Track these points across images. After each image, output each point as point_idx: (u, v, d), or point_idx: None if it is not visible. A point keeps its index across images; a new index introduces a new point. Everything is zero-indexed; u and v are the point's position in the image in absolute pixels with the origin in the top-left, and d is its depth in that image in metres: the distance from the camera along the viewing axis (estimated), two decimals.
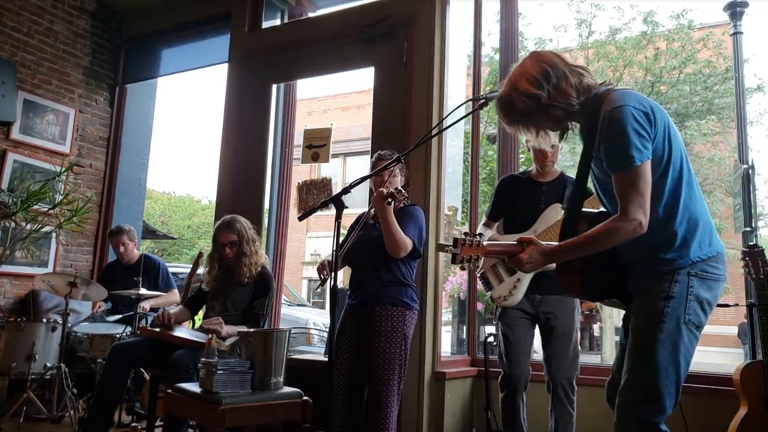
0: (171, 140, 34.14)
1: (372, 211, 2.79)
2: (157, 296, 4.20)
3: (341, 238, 2.61)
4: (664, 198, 1.74)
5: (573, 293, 2.02)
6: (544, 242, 1.80)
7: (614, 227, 1.68)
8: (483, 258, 2.90)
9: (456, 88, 3.88)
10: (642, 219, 1.66)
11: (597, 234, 1.71)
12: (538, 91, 1.76)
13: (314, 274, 18.14)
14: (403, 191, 2.57)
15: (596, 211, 1.93)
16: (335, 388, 2.67)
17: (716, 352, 12.18)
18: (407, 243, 2.64)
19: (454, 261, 1.78)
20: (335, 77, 10.63)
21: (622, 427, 1.73)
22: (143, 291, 3.85)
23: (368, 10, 3.96)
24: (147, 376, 3.63)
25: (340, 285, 2.46)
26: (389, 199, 2.51)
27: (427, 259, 3.31)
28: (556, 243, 1.80)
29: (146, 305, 4.11)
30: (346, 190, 2.24)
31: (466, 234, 1.77)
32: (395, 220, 2.61)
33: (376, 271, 2.72)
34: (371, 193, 3.02)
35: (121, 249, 4.39)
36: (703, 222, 1.77)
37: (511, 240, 2.77)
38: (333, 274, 2.21)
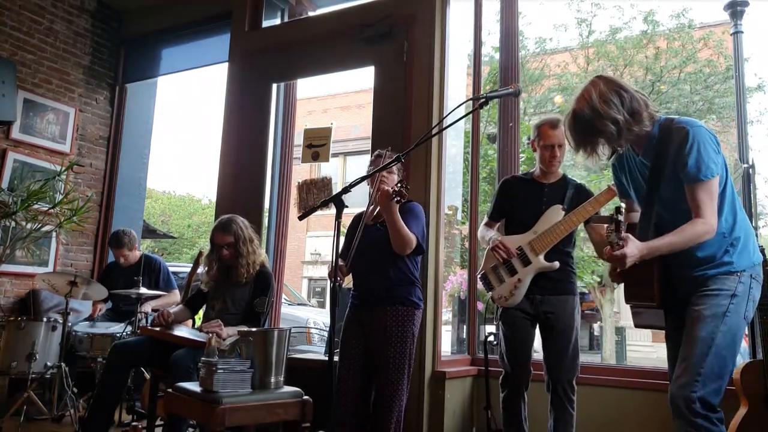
0: (171, 140, 34.15)
1: (373, 210, 2.79)
2: (157, 296, 4.20)
3: (341, 240, 2.61)
4: (725, 210, 1.97)
5: (642, 299, 2.11)
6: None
7: (697, 229, 1.89)
8: (484, 258, 2.93)
9: (456, 88, 3.88)
10: (715, 224, 1.90)
11: (683, 233, 1.90)
12: (615, 114, 1.91)
13: (314, 274, 18.20)
14: (407, 185, 2.56)
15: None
16: (344, 389, 2.68)
17: None
18: (413, 239, 2.66)
19: (617, 229, 1.89)
20: (335, 76, 10.61)
21: (684, 407, 1.84)
22: (144, 290, 3.85)
23: (368, 10, 3.96)
24: (147, 376, 3.64)
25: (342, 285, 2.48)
26: (397, 198, 2.50)
27: (427, 258, 3.31)
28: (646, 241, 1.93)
29: (147, 308, 4.11)
30: (346, 190, 2.24)
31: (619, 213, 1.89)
32: (401, 218, 2.62)
33: (385, 270, 2.73)
34: (371, 192, 3.02)
35: (122, 261, 4.40)
36: (752, 233, 2.07)
37: (515, 240, 2.81)
38: (335, 275, 2.21)
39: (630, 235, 1.89)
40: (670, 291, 2.01)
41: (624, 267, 1.90)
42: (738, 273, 1.94)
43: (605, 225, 1.93)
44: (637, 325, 2.19)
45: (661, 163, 1.98)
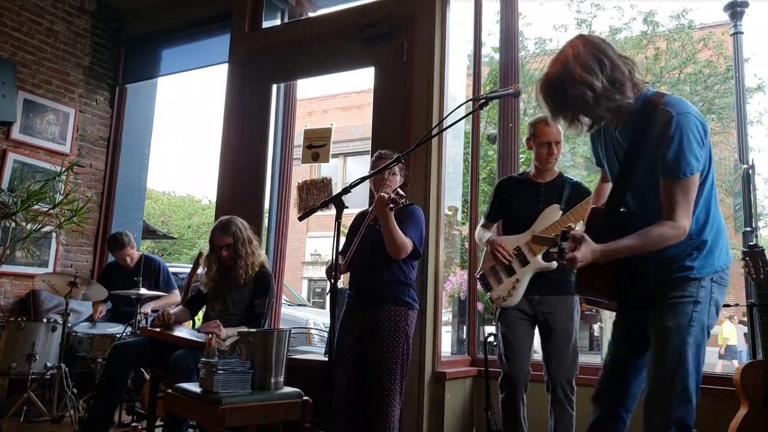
0: (171, 140, 34.15)
1: (372, 211, 2.79)
2: (157, 297, 4.20)
3: (342, 239, 2.61)
4: (698, 207, 1.78)
5: (593, 294, 1.99)
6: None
7: (664, 233, 1.72)
8: (483, 259, 2.93)
9: (456, 88, 3.88)
10: (687, 227, 1.72)
11: (646, 237, 1.73)
12: (593, 80, 1.69)
13: (314, 274, 18.18)
14: (403, 194, 2.56)
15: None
16: (338, 387, 2.68)
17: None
18: (408, 245, 2.66)
19: (561, 256, 1.73)
20: (335, 77, 10.62)
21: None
22: (144, 291, 3.85)
23: (368, 10, 3.96)
24: (147, 376, 3.63)
25: (340, 285, 2.47)
26: (391, 205, 2.50)
27: (427, 259, 3.31)
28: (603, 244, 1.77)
29: (148, 309, 4.10)
30: (346, 190, 2.24)
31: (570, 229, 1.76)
32: (396, 224, 2.62)
33: (379, 271, 2.73)
34: (371, 192, 3.03)
35: (128, 261, 4.39)
36: (723, 231, 1.85)
37: (512, 240, 2.81)
38: (335, 275, 2.22)
39: (585, 236, 1.73)
40: (624, 285, 1.88)
41: (572, 267, 1.76)
42: (700, 278, 1.79)
43: (547, 247, 1.78)
44: (586, 302, 2.11)
45: (637, 147, 1.79)
